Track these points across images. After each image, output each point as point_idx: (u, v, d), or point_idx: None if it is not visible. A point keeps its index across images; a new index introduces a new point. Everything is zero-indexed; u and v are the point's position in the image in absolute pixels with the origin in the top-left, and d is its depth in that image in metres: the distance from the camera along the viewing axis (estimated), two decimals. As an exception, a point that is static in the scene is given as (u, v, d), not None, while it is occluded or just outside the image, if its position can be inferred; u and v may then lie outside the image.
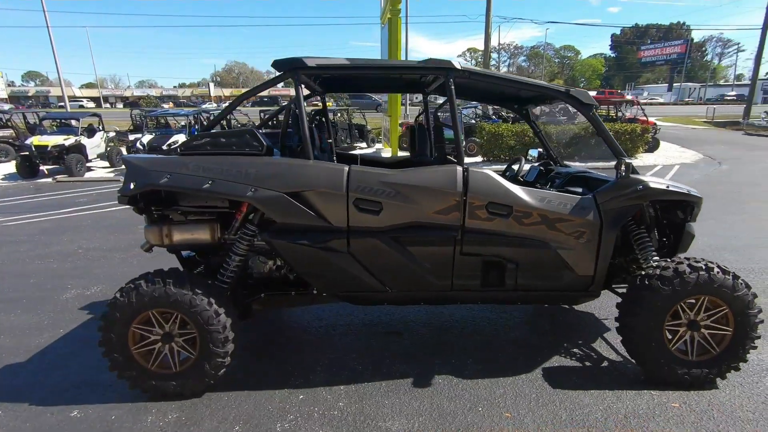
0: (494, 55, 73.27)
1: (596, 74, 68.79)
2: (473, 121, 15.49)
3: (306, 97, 4.10)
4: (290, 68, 2.57)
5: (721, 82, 65.67)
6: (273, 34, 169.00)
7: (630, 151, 13.14)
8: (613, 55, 73.52)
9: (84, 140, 12.21)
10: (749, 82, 28.01)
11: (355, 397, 2.60)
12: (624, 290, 2.81)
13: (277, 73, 2.72)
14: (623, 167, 2.59)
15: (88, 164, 12.24)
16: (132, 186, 2.47)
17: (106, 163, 13.41)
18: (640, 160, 13.13)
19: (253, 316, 2.99)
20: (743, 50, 72.51)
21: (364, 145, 17.40)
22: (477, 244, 2.61)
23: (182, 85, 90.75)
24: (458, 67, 2.56)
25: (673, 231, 3.06)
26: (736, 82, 63.24)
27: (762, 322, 2.56)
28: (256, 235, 2.70)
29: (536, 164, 3.77)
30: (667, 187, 2.68)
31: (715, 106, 33.66)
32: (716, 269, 2.51)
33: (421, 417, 2.42)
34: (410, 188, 2.51)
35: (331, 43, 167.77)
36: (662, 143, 15.51)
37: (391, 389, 2.67)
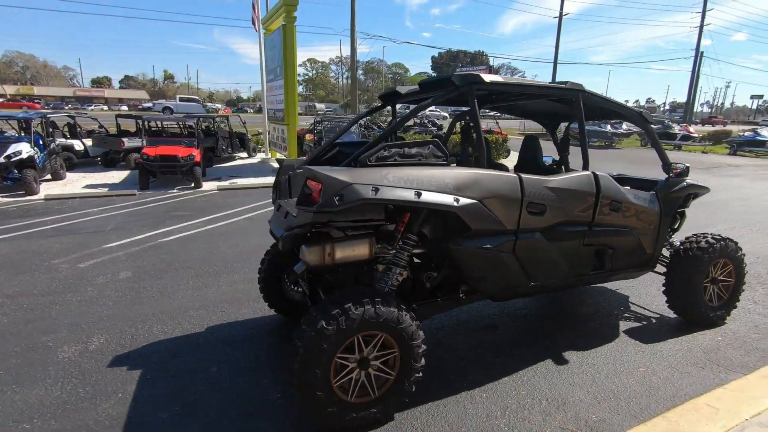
0: (333, 67, 76.03)
1: (423, 90, 77.99)
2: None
3: (373, 110, 4.08)
4: (468, 83, 2.68)
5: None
6: (69, 23, 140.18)
7: (495, 157, 15.65)
8: (434, 74, 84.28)
9: None
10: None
11: (526, 384, 2.84)
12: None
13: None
14: (672, 171, 3.49)
15: None
16: (337, 201, 2.23)
17: None
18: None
19: None
20: (524, 77, 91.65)
21: (245, 154, 16.38)
22: (595, 236, 3.15)
23: (-71, 77, 67.84)
24: (587, 90, 3.08)
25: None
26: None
27: (747, 272, 3.77)
28: (417, 244, 2.72)
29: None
30: (696, 182, 3.69)
31: (522, 120, 41.76)
32: (727, 239, 3.60)
33: (592, 386, 2.83)
34: (566, 191, 2.90)
35: (146, 40, 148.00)
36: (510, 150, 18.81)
37: (545, 371, 3.00)
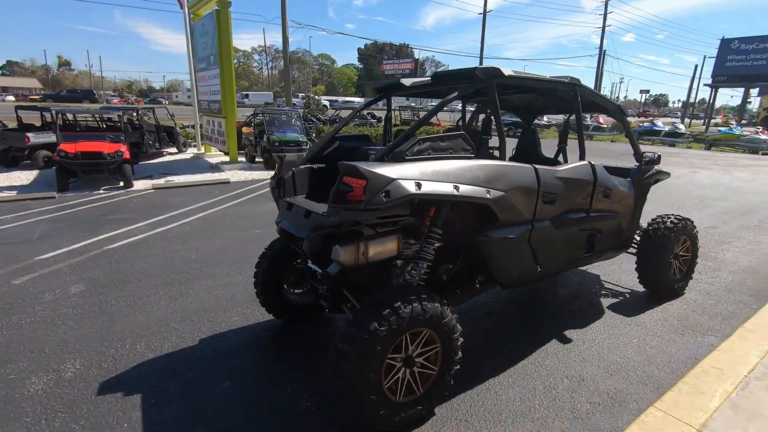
0: (256, 57, 72.77)
1: (350, 82, 77.57)
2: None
3: (370, 103, 3.96)
4: (491, 76, 2.70)
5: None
6: None
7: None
8: (360, 66, 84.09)
9: None
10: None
11: (543, 365, 2.99)
12: None
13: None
14: (644, 160, 3.83)
15: None
16: (384, 197, 2.14)
17: None
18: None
19: None
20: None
21: (174, 149, 15.15)
22: (590, 221, 3.37)
23: None
24: (582, 84, 3.25)
25: None
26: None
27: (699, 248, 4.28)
28: (440, 238, 2.71)
29: None
30: (662, 169, 4.08)
31: (449, 112, 43.16)
32: (686, 219, 4.04)
33: (600, 361, 3.05)
34: (572, 181, 3.05)
35: (33, 20, 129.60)
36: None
37: (555, 351, 3.17)
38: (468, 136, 2.62)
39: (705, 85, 35.05)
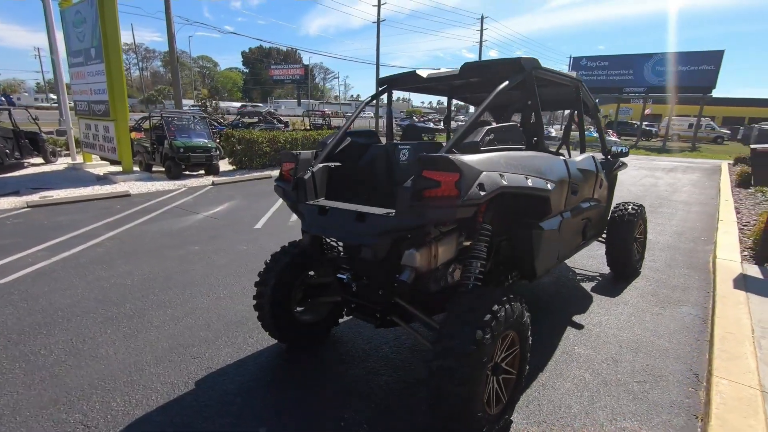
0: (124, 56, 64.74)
1: (236, 86, 73.29)
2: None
3: (374, 96, 3.61)
4: (533, 67, 2.63)
5: (332, 100, 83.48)
6: None
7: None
8: (245, 70, 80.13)
9: None
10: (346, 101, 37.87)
11: (579, 354, 3.04)
12: None
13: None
14: (610, 153, 4.19)
15: None
16: (479, 191, 1.92)
17: None
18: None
19: None
20: (337, 77, 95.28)
21: (40, 159, 12.57)
22: (589, 210, 3.55)
23: None
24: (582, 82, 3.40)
25: None
26: (341, 101, 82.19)
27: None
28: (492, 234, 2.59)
29: None
30: (624, 161, 4.49)
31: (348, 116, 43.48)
32: (641, 205, 4.53)
33: (618, 341, 3.21)
34: (586, 172, 3.16)
35: None
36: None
37: (578, 339, 3.26)
38: (518, 128, 2.55)
39: (563, 95, 40.75)
